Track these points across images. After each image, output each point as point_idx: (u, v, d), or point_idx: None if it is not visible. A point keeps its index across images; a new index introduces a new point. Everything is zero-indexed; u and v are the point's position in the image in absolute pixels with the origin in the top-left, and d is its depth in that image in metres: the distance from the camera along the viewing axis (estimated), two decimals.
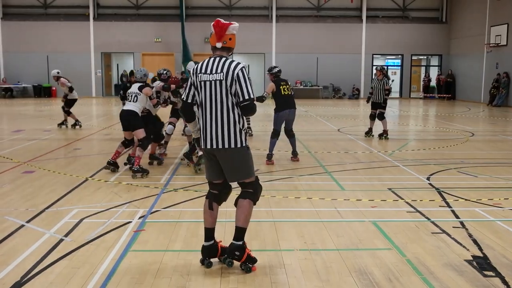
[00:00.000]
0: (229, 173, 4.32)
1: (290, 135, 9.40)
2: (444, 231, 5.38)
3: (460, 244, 4.99)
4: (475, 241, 5.08)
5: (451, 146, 11.60)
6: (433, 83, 31.96)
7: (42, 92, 29.88)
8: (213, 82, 4.18)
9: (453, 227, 5.54)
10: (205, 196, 4.57)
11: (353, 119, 17.60)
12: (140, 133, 8.07)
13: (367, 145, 11.57)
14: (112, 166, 8.33)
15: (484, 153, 10.74)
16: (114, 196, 6.79)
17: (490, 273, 4.30)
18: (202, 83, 4.23)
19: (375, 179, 8.01)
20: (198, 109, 4.39)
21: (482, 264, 4.50)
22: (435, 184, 7.60)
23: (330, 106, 24.82)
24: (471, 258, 4.63)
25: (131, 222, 5.64)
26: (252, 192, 4.34)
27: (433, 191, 7.20)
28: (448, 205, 6.44)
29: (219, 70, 4.17)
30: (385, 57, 34.41)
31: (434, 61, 33.19)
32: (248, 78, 4.21)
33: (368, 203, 6.55)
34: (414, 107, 24.26)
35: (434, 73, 32.66)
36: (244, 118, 4.28)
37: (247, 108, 4.19)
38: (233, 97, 4.18)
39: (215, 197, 4.44)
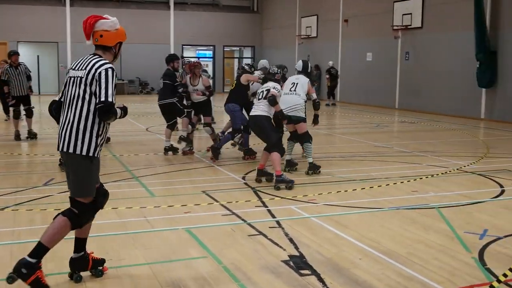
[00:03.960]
0: (68, 183, 4.27)
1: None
2: (260, 233, 5.68)
3: (277, 245, 5.31)
4: (291, 240, 5.45)
5: None
6: None
7: None
8: (75, 78, 4.21)
9: (270, 227, 5.88)
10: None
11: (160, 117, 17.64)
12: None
13: (179, 146, 11.69)
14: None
15: (298, 148, 11.58)
16: None
17: (307, 271, 4.65)
18: (68, 79, 4.28)
19: (187, 182, 8.16)
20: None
21: (299, 263, 4.84)
22: (251, 183, 7.99)
23: (137, 103, 24.62)
24: (288, 258, 4.95)
25: None
26: (75, 213, 4.18)
27: (249, 191, 7.56)
28: (264, 205, 6.82)
29: (83, 68, 4.20)
30: (196, 48, 35.22)
31: (247, 52, 34.88)
32: (113, 80, 4.12)
33: (181, 208, 6.64)
34: None
35: None
36: (103, 125, 4.19)
37: (101, 111, 4.06)
38: (92, 98, 4.11)
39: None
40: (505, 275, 4.52)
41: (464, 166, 9.49)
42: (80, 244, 4.38)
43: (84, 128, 4.11)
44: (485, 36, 17.19)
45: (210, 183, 8.08)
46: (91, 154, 4.13)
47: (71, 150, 4.12)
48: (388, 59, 22.26)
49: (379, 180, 8.33)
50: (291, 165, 8.97)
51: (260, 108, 8.01)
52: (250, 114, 8.27)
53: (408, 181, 8.30)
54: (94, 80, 4.10)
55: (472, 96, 18.27)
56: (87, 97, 4.12)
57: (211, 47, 32.88)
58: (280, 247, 5.26)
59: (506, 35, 17.11)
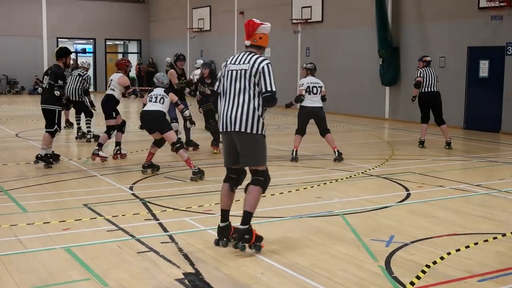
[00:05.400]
0: (244, 158, 5.59)
1: None
2: (151, 249, 5.64)
3: (170, 262, 5.30)
4: (186, 256, 5.45)
5: None
6: (132, 73, 33.12)
7: None
8: (239, 71, 5.57)
9: (162, 242, 5.86)
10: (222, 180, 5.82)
11: (36, 120, 17.04)
12: (171, 135, 9.10)
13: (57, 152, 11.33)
14: (149, 168, 9.42)
15: (192, 153, 11.58)
16: None
17: None
18: (229, 72, 5.63)
19: (66, 195, 7.97)
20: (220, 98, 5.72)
21: (195, 281, 4.85)
22: (140, 194, 7.92)
23: (5, 104, 23.76)
24: (183, 276, 4.95)
25: None
26: (262, 180, 5.62)
27: (138, 203, 7.49)
28: (155, 218, 6.78)
29: (246, 62, 5.59)
30: (74, 42, 34.30)
31: (133, 47, 34.41)
32: (273, 72, 5.55)
33: (59, 225, 6.46)
34: None
35: (133, 61, 33.85)
36: (263, 108, 5.55)
37: (268, 99, 5.52)
38: (256, 87, 5.53)
39: (236, 181, 5.81)
40: (412, 283, 4.77)
41: (369, 169, 9.92)
42: (227, 215, 5.73)
43: (253, 112, 5.50)
44: (387, 31, 18.06)
45: (92, 195, 7.91)
46: (264, 132, 5.60)
47: (248, 131, 5.48)
48: (288, 55, 22.77)
49: (281, 187, 8.51)
50: None
51: (319, 101, 10.89)
52: (310, 105, 10.82)
53: (311, 187, 8.54)
54: (258, 72, 5.50)
55: (376, 95, 19.11)
56: (252, 86, 5.52)
57: (91, 40, 32.10)
58: (174, 264, 5.24)
59: (408, 30, 18.06)
